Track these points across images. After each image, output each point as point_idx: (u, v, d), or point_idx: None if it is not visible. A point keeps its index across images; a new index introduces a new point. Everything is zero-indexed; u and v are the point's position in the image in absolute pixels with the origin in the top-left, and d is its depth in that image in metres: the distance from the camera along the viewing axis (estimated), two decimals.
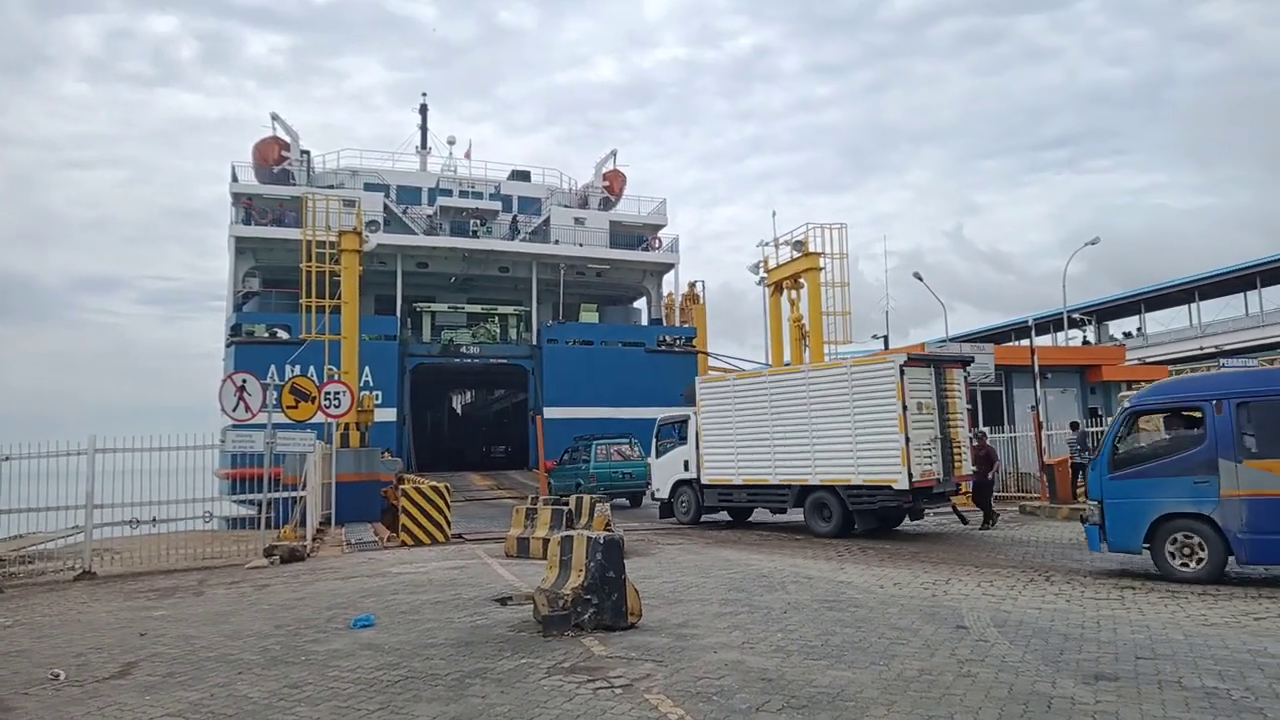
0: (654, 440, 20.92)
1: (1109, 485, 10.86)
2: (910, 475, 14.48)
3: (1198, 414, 10.39)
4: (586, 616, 7.72)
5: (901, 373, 14.78)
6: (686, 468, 19.21)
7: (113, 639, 8.35)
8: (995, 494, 18.06)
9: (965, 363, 16.70)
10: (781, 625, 7.82)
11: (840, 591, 9.62)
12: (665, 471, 20.07)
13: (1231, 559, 9.91)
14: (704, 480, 18.48)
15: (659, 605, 8.87)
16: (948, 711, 5.27)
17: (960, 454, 15.65)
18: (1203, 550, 10.10)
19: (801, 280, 32.89)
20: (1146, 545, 10.53)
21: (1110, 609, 8.33)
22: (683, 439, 19.52)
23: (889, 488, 14.81)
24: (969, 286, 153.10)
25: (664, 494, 19.97)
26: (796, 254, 32.57)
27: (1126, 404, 11.50)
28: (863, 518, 15.60)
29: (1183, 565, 10.18)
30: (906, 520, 16.83)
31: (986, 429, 20.12)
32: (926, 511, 16.76)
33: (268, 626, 8.66)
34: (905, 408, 14.62)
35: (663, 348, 40.10)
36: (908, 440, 14.53)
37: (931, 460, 15.00)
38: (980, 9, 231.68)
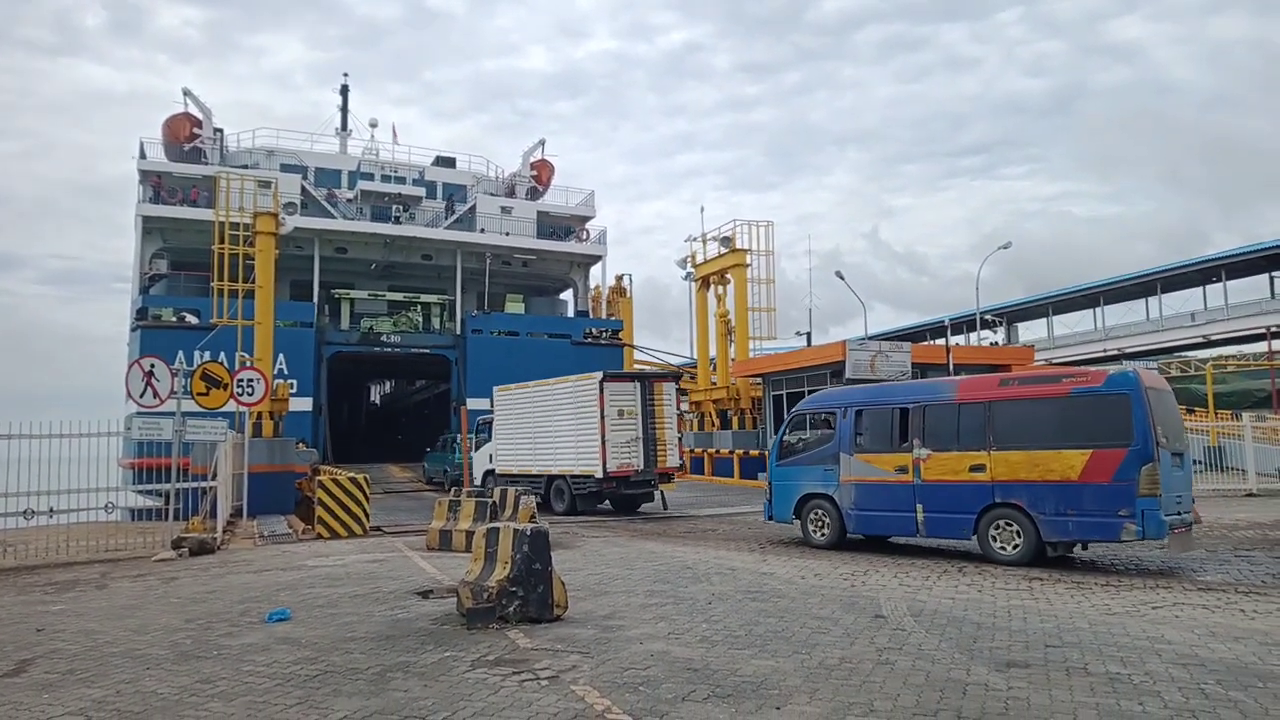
0: (474, 436, 24.73)
1: (775, 471, 13.96)
2: (605, 467, 18.48)
3: (833, 417, 13.23)
4: (512, 609, 7.65)
5: (601, 387, 18.71)
6: (490, 460, 22.95)
7: (5, 635, 7.90)
8: None
9: (675, 378, 20.98)
10: (706, 616, 7.89)
11: (763, 583, 9.76)
12: (478, 464, 24.10)
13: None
14: (497, 470, 22.24)
15: (585, 597, 8.85)
16: (868, 698, 5.39)
17: (665, 451, 19.41)
18: (828, 523, 12.99)
19: (728, 276, 33.31)
20: (796, 518, 13.48)
21: (1020, 599, 8.65)
22: (490, 436, 23.31)
23: (592, 476, 18.73)
24: (886, 287, 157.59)
25: (477, 483, 23.03)
26: (724, 250, 32.92)
27: (795, 409, 14.66)
28: (583, 500, 19.40)
29: (815, 533, 13.14)
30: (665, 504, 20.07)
31: None
32: (653, 493, 20.07)
33: (177, 620, 8.32)
34: (604, 414, 18.54)
35: (589, 340, 39.99)
36: (604, 440, 18.48)
37: (630, 456, 18.77)
38: (904, 16, 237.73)
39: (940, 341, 48.05)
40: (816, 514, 13.16)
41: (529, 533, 7.86)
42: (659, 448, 19.26)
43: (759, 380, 31.71)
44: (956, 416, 11.82)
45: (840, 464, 12.84)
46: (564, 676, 5.98)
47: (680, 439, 19.93)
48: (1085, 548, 11.67)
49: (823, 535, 12.99)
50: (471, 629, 7.51)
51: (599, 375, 19.27)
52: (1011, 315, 55.45)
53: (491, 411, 23.37)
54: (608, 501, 19.97)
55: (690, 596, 8.90)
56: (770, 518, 14.01)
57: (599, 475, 18.58)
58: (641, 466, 18.86)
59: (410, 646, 6.98)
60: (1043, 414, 11.13)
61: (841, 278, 37.75)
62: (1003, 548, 11.08)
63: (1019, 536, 11.00)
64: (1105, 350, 47.55)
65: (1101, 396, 10.71)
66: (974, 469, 11.40)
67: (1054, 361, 43.66)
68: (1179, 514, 10.59)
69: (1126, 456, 10.24)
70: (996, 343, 53.37)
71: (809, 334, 42.34)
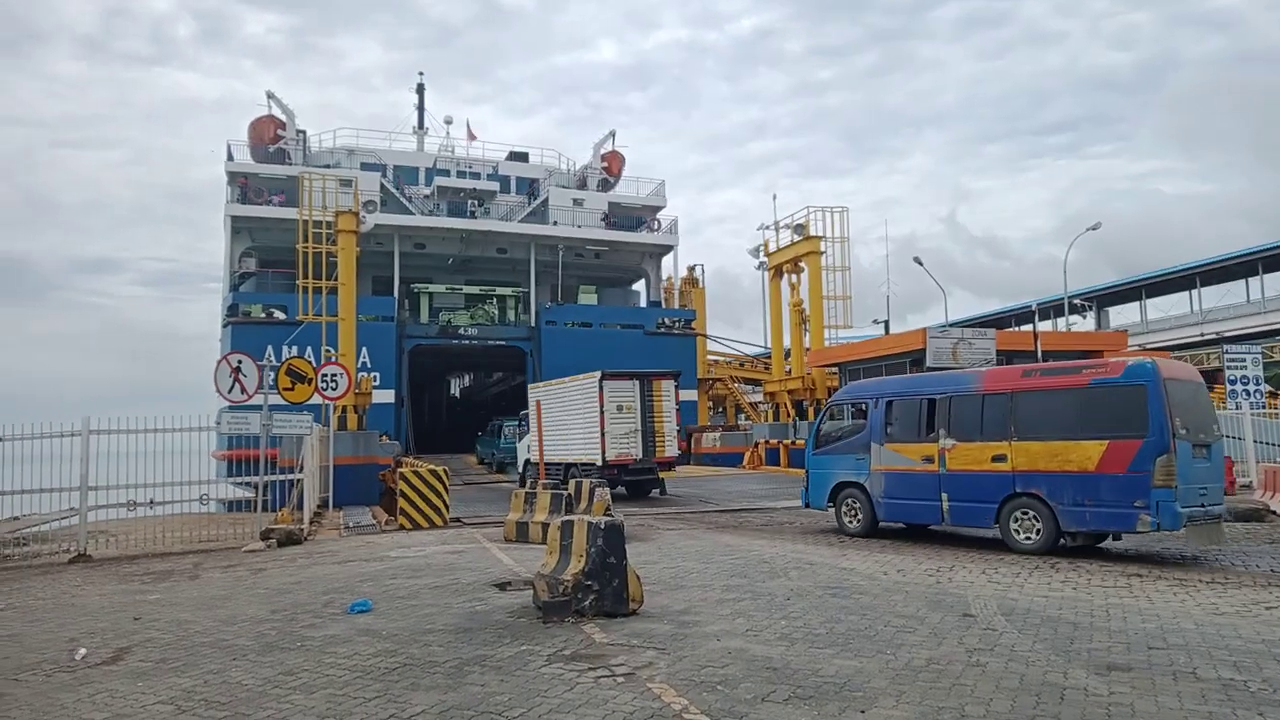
0: (517, 428, 27.83)
1: (812, 459, 14.49)
2: (604, 456, 20.23)
3: (866, 408, 13.63)
4: (587, 603, 7.60)
5: (601, 384, 20.56)
6: (529, 450, 25.03)
7: (106, 623, 8.22)
8: None
9: (675, 375, 22.07)
10: (785, 612, 7.70)
11: (844, 578, 9.50)
12: (520, 453, 26.60)
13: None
14: (533, 460, 24.26)
15: (660, 591, 8.75)
16: (959, 703, 5.14)
17: (663, 442, 21.11)
18: (860, 511, 13.36)
19: (802, 264, 32.72)
20: (831, 504, 13.91)
21: (1119, 597, 8.21)
22: (528, 429, 25.62)
23: (595, 464, 20.36)
24: (965, 272, 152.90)
25: (520, 469, 26.10)
26: (797, 237, 32.37)
27: (830, 399, 15.25)
28: None
29: (849, 522, 13.50)
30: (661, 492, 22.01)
31: None
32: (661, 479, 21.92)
33: (263, 611, 8.53)
34: (603, 409, 20.36)
35: (662, 330, 39.88)
36: (603, 432, 20.28)
37: (629, 446, 20.56)
38: None
39: (1026, 327, 46.39)
40: (849, 502, 13.59)
41: (603, 526, 7.79)
42: (657, 439, 21.05)
43: (835, 370, 31.07)
44: (980, 407, 12.01)
45: (871, 453, 13.25)
46: (640, 673, 5.88)
47: (679, 431, 21.77)
48: (1118, 538, 11.51)
49: (855, 523, 13.44)
50: (547, 622, 7.49)
51: (598, 374, 21.01)
52: (1102, 299, 52.98)
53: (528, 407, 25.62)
54: (622, 488, 20.96)
55: (768, 592, 8.71)
56: (807, 504, 14.59)
57: (599, 464, 20.34)
58: (640, 456, 20.70)
59: (487, 640, 6.99)
60: (1062, 405, 11.25)
61: (920, 263, 36.75)
62: (1022, 536, 11.29)
63: (1038, 526, 11.17)
64: (1202, 334, 45.09)
65: (1119, 387, 10.72)
66: (996, 459, 11.61)
67: (1147, 347, 41.67)
68: (1202, 506, 10.49)
69: (1142, 448, 10.27)
70: (1071, 326, 51.07)
71: (886, 322, 41.29)
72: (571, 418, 22.15)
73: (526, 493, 14.59)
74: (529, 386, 25.88)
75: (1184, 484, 10.21)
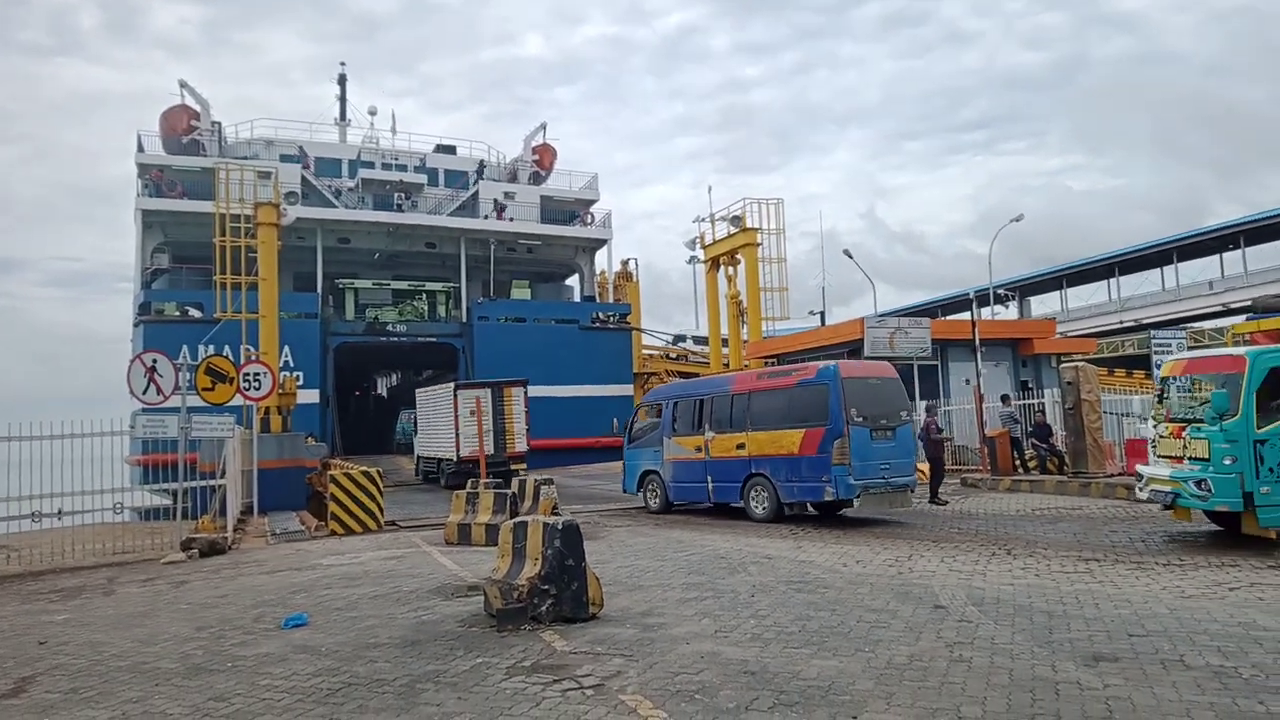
0: (412, 415, 31.94)
1: (627, 452, 17.28)
2: (458, 452, 23.90)
3: (662, 408, 16.37)
4: (544, 608, 7.13)
5: (455, 392, 24.40)
6: (420, 446, 29.51)
7: (6, 649, 7.41)
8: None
9: (523, 383, 25.39)
10: (752, 610, 7.36)
11: (804, 571, 9.23)
12: (416, 448, 30.78)
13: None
14: (424, 455, 28.98)
15: (619, 592, 8.33)
16: (953, 703, 4.86)
17: (513, 439, 24.58)
18: (658, 493, 16.17)
19: (738, 256, 32.63)
20: (640, 490, 16.68)
21: (1084, 582, 8.10)
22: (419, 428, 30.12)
23: (451, 459, 24.37)
24: (886, 265, 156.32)
25: (414, 462, 30.76)
26: (734, 229, 32.24)
27: (640, 401, 18.51)
28: (449, 477, 24.33)
29: (650, 501, 16.39)
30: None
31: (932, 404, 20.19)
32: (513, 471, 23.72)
33: (188, 629, 7.83)
34: (457, 413, 23.89)
35: (596, 325, 39.39)
36: (457, 432, 23.87)
37: (479, 443, 22.96)
38: None
39: (951, 318, 47.28)
40: (651, 487, 16.39)
41: (560, 527, 7.33)
42: (508, 438, 24.43)
43: (773, 361, 31.08)
44: (730, 405, 14.65)
45: (664, 445, 15.97)
46: (609, 684, 5.46)
47: (529, 430, 25.15)
48: (853, 504, 13.13)
49: (655, 502, 16.28)
50: (502, 631, 7.00)
51: (453, 384, 25.20)
52: (1024, 289, 54.38)
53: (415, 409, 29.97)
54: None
55: (730, 589, 8.37)
56: (625, 490, 17.35)
57: (452, 459, 24.20)
58: (491, 451, 23.37)
59: (439, 653, 6.47)
60: (779, 401, 13.87)
61: (850, 256, 37.00)
62: (756, 508, 13.94)
63: (766, 500, 13.81)
64: (1121, 321, 46.66)
65: (812, 386, 13.35)
66: (739, 447, 14.27)
67: (1069, 335, 42.92)
68: (884, 478, 13.05)
69: (825, 433, 12.88)
70: (996, 315, 52.25)
71: (823, 313, 41.56)
72: (437, 420, 25.76)
73: (468, 493, 13.99)
74: (417, 391, 29.71)
75: (860, 461, 12.72)
